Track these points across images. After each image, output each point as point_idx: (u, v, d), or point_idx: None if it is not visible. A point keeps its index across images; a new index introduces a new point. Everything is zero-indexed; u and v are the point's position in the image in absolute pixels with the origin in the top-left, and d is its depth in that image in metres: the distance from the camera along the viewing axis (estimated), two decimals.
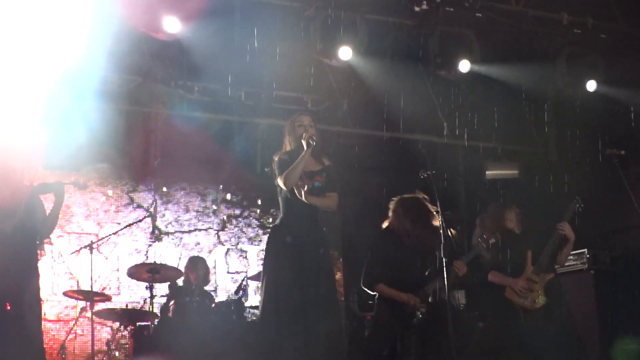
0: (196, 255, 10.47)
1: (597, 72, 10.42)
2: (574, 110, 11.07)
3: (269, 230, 11.36)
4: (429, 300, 7.45)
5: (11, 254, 6.94)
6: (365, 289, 7.77)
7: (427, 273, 7.54)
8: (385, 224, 7.87)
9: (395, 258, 7.62)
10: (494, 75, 10.42)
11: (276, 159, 6.97)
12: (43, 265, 7.68)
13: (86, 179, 8.26)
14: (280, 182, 6.82)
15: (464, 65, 10.04)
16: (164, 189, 11.24)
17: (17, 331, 6.82)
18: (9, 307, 6.98)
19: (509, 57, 10.30)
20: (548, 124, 11.77)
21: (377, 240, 7.87)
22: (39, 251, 7.39)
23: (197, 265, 9.62)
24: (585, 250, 9.92)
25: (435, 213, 7.64)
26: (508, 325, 7.92)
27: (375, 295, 7.73)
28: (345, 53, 9.62)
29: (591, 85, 10.41)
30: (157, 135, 10.68)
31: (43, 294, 7.45)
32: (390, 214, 7.87)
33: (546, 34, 10.26)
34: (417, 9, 9.71)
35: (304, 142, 6.81)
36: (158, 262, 10.20)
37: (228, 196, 11.68)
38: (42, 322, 7.43)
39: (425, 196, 7.81)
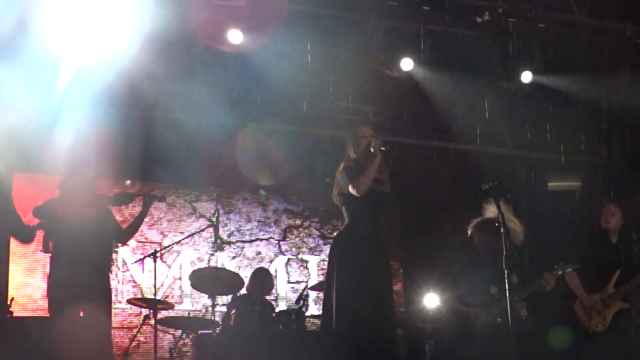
0: (263, 267, 10.48)
1: None
2: (637, 121, 10.94)
3: (329, 240, 11.49)
4: (498, 320, 7.33)
5: (86, 263, 7.08)
6: (434, 298, 7.72)
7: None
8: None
9: (470, 274, 7.55)
10: (557, 86, 10.34)
11: (342, 167, 7.01)
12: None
13: (164, 191, 8.40)
14: (351, 188, 6.81)
15: (526, 76, 9.98)
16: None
17: (88, 337, 6.94)
18: (82, 314, 7.13)
19: (571, 67, 10.21)
20: (611, 135, 11.64)
21: (455, 253, 7.81)
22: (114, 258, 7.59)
23: (264, 279, 9.66)
24: None
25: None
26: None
27: (437, 307, 7.69)
28: (407, 64, 9.62)
29: None
30: (219, 145, 10.76)
31: None
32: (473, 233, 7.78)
33: (609, 44, 10.16)
34: (479, 19, 9.69)
35: (372, 149, 6.87)
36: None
37: (289, 206, 11.75)
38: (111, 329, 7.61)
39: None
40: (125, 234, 7.83)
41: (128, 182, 9.59)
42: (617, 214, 8.03)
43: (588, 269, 7.88)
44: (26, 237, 7.51)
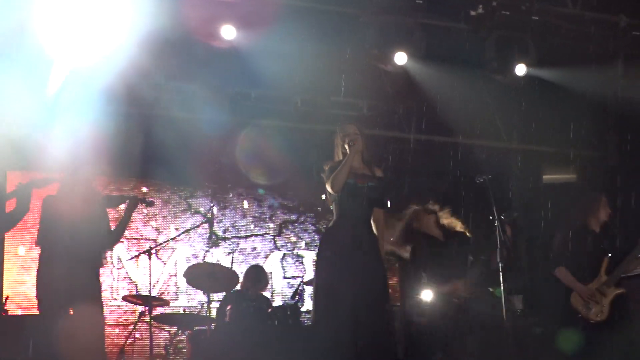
0: (257, 264, 10.48)
1: None
2: (633, 114, 10.92)
3: None
4: (473, 288, 7.39)
5: (77, 261, 7.06)
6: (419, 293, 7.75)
7: (469, 263, 7.50)
8: None
9: (433, 255, 7.60)
10: (551, 79, 10.33)
11: (326, 168, 7.00)
12: (102, 270, 7.80)
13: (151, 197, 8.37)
14: (328, 187, 6.83)
15: (520, 69, 9.99)
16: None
17: (80, 335, 6.92)
18: (72, 312, 7.11)
19: (565, 60, 10.21)
20: (607, 127, 11.63)
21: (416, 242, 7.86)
22: (103, 259, 7.55)
23: (258, 277, 9.65)
24: None
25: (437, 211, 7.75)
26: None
27: (429, 299, 7.70)
28: (401, 58, 9.62)
29: None
30: (213, 142, 10.74)
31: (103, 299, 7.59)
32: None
33: (603, 36, 10.16)
34: (472, 13, 9.69)
35: (347, 147, 6.86)
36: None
37: (284, 202, 11.73)
38: (104, 327, 7.59)
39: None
40: (110, 239, 7.72)
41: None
42: (607, 207, 8.07)
43: (577, 260, 7.88)
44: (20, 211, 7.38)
